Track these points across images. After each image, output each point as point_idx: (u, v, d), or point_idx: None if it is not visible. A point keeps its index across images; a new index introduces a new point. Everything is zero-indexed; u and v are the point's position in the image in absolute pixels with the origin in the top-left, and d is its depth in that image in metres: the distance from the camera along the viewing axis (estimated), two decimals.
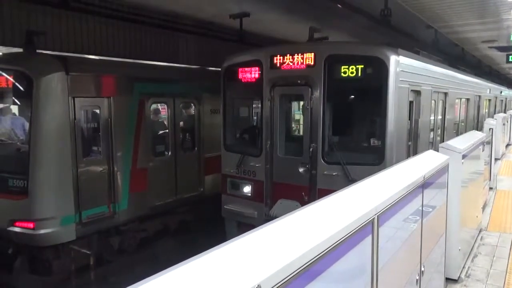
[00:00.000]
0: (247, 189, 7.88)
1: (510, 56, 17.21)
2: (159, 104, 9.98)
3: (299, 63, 7.14)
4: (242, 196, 7.95)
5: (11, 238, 7.27)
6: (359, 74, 6.63)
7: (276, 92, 7.49)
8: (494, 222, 8.63)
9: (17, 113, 8.39)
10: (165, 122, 9.95)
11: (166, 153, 9.65)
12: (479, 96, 16.98)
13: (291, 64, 7.23)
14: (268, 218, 6.79)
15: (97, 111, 8.05)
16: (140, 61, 11.23)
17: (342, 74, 6.74)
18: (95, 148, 8.11)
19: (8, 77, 7.58)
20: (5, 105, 8.26)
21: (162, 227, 9.65)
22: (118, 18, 10.44)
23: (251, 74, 7.77)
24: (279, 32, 13.40)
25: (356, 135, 7.55)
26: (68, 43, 9.99)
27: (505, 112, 23.69)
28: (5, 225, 7.18)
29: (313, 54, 6.99)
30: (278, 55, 7.36)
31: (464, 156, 5.75)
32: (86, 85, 7.82)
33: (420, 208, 3.87)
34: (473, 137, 7.41)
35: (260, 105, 7.73)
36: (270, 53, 7.49)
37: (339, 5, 10.84)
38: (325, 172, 6.92)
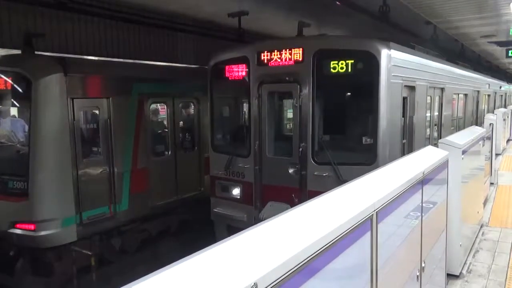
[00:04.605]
0: (236, 191, 7.62)
1: (510, 51, 17.15)
2: (158, 104, 9.98)
3: (287, 59, 6.88)
4: (231, 199, 7.69)
5: (12, 240, 7.27)
6: (349, 70, 6.38)
7: (263, 90, 7.23)
8: (495, 217, 8.61)
9: (16, 115, 8.39)
10: (165, 122, 9.95)
11: (166, 153, 9.65)
12: (478, 92, 16.79)
13: (278, 60, 6.98)
14: (258, 221, 6.63)
15: (96, 112, 8.05)
16: (138, 61, 11.23)
17: (332, 70, 6.49)
18: (94, 149, 8.10)
19: (7, 79, 7.59)
20: (4, 107, 8.25)
21: (163, 227, 9.65)
22: (116, 18, 10.43)
23: (238, 71, 7.52)
24: (277, 30, 13.38)
25: (347, 133, 7.29)
26: (66, 44, 9.99)
27: (505, 107, 23.64)
28: (6, 227, 7.19)
29: (301, 49, 6.74)
30: (266, 51, 7.10)
31: (464, 152, 5.74)
32: (85, 86, 7.83)
33: (420, 204, 3.86)
34: (473, 132, 7.39)
35: (248, 104, 7.49)
36: (257, 49, 7.24)
37: (338, 2, 10.83)
38: (316, 173, 6.68)
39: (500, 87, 25.36)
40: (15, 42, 8.75)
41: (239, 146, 7.75)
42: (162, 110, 10.20)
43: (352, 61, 6.36)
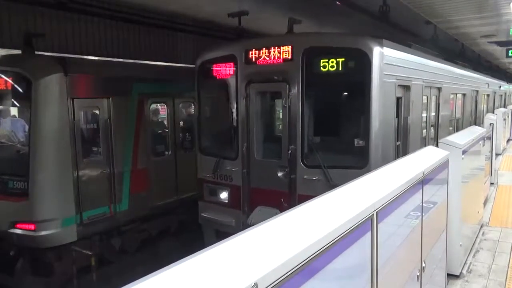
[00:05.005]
0: (224, 195, 7.36)
1: (510, 51, 17.14)
2: (158, 104, 9.98)
3: (276, 57, 6.58)
4: (219, 203, 7.44)
5: (12, 240, 7.27)
6: (340, 68, 6.08)
7: (252, 89, 6.93)
8: (495, 217, 8.61)
9: (16, 115, 8.39)
10: (165, 122, 9.96)
11: (166, 153, 9.65)
12: (477, 91, 16.54)
13: (267, 58, 6.67)
14: (246, 226, 5.98)
15: (97, 111, 8.05)
16: (138, 61, 11.23)
17: (322, 69, 6.19)
18: (95, 149, 8.11)
19: (7, 79, 7.59)
20: (5, 107, 8.26)
21: (163, 227, 9.65)
22: (116, 18, 10.44)
23: (225, 70, 7.25)
24: (278, 30, 13.36)
25: (338, 135, 6.97)
26: (66, 44, 9.99)
27: (504, 107, 23.60)
28: (6, 227, 7.19)
29: (290, 47, 6.44)
30: (254, 49, 6.80)
31: (464, 152, 5.74)
32: (85, 86, 7.82)
33: (420, 204, 3.86)
34: (473, 132, 7.39)
35: (235, 104, 7.17)
36: (245, 47, 6.94)
37: (337, 2, 10.83)
38: (305, 177, 6.38)
39: (500, 87, 25.27)
40: (15, 42, 8.76)
41: (227, 148, 7.44)
42: (162, 110, 10.20)
43: (343, 59, 6.08)
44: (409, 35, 14.30)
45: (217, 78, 7.42)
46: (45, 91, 7.19)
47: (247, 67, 6.92)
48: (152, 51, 12.04)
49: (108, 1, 10.01)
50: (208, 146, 7.89)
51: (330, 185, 5.80)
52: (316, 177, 6.29)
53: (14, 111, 8.35)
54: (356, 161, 6.21)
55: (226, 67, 7.24)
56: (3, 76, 7.59)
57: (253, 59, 6.84)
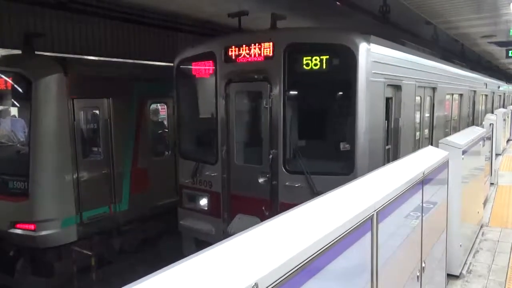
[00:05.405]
0: (203, 201, 6.98)
1: (510, 51, 17.13)
2: (158, 104, 9.98)
3: (256, 55, 6.18)
4: (199, 210, 7.06)
5: (12, 240, 7.28)
6: (324, 66, 5.68)
7: (231, 89, 6.54)
8: (495, 218, 8.62)
9: (16, 115, 8.40)
10: (165, 122, 9.95)
11: (166, 153, 9.65)
12: (474, 92, 16.21)
13: (247, 56, 6.27)
14: (227, 235, 5.46)
15: (97, 112, 8.06)
16: (139, 61, 11.24)
17: (305, 67, 5.78)
18: (95, 149, 8.12)
19: (7, 79, 7.59)
20: (5, 107, 8.26)
21: (163, 227, 9.64)
22: (116, 18, 10.44)
23: (204, 69, 6.87)
24: None
25: (322, 139, 6.52)
26: (66, 44, 9.99)
27: (503, 108, 23.56)
28: (6, 227, 7.19)
29: (271, 43, 6.04)
30: (233, 46, 6.38)
31: (464, 152, 5.75)
32: (85, 86, 7.82)
33: (420, 204, 3.86)
34: (473, 132, 7.39)
35: (215, 105, 6.75)
36: (224, 44, 6.53)
37: (337, 3, 10.83)
38: (287, 183, 6.00)
39: (499, 87, 25.16)
40: (15, 42, 8.76)
41: (206, 152, 7.07)
42: (162, 110, 10.20)
43: (327, 56, 5.66)
44: (409, 35, 14.30)
45: (196, 77, 7.11)
46: (45, 91, 7.19)
47: (227, 66, 6.53)
48: (152, 51, 12.04)
49: (108, 1, 10.01)
50: (187, 149, 7.51)
51: (314, 192, 5.50)
52: (299, 184, 5.91)
53: (14, 111, 8.36)
54: (341, 167, 5.83)
55: (205, 66, 6.87)
56: (3, 76, 7.60)
57: (233, 57, 6.43)
